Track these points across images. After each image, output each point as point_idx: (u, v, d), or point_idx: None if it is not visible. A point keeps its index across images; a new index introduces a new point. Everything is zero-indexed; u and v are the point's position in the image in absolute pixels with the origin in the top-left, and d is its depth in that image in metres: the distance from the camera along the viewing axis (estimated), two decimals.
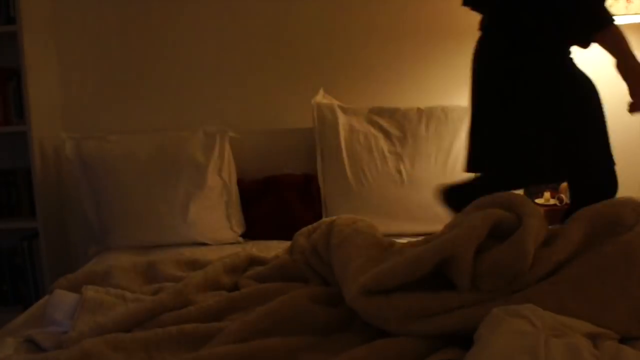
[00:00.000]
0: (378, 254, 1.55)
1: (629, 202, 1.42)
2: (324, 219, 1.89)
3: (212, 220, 2.53)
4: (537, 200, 2.69)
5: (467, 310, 1.25)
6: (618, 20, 2.55)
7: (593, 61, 2.81)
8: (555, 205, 2.61)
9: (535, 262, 1.29)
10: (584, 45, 1.86)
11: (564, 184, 2.65)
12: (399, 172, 2.50)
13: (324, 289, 1.59)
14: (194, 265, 1.96)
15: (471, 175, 2.03)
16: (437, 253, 1.29)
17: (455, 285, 1.31)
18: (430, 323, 1.27)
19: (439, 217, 1.91)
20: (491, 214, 1.34)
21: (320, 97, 2.64)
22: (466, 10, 2.81)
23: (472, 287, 1.28)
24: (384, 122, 2.58)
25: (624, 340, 1.21)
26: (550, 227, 1.43)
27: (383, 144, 2.54)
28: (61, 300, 1.64)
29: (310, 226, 1.91)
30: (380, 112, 2.62)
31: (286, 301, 1.48)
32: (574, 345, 1.08)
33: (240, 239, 2.56)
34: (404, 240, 2.23)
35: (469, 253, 1.27)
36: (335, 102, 2.64)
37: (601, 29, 1.78)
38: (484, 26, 2.00)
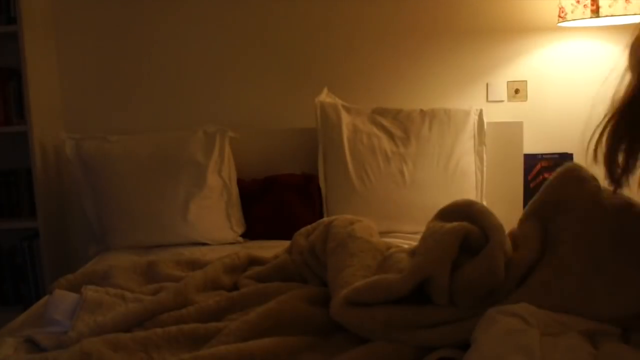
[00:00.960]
0: (371, 260, 1.56)
1: (560, 174, 1.41)
2: (323, 219, 1.88)
3: (212, 220, 2.53)
4: None
5: (448, 327, 1.28)
6: (617, 21, 2.57)
7: (593, 59, 2.82)
8: None
9: (508, 271, 1.32)
10: None
11: None
12: (402, 173, 2.50)
13: (322, 289, 1.59)
14: (194, 265, 1.96)
15: None
16: (414, 277, 1.32)
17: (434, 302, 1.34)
18: (413, 336, 1.29)
19: None
20: (459, 229, 1.35)
21: (324, 96, 2.64)
22: (469, 12, 2.82)
23: (450, 304, 1.31)
24: (387, 123, 2.58)
25: (626, 332, 1.21)
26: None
27: (386, 144, 2.53)
28: (61, 300, 1.64)
29: (309, 226, 1.91)
30: (384, 112, 2.62)
31: (286, 301, 1.49)
32: (570, 344, 1.08)
33: (240, 239, 2.56)
34: (401, 241, 2.24)
35: (444, 274, 1.30)
36: (339, 102, 2.64)
37: None
38: None
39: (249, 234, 2.59)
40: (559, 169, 1.44)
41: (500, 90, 2.84)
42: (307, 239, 1.82)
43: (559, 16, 2.56)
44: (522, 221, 1.43)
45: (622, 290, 1.22)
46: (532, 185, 2.82)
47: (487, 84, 2.84)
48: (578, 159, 2.81)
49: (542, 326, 1.13)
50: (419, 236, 1.51)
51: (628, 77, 1.18)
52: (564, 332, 1.13)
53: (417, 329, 1.29)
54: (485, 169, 2.61)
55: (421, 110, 2.60)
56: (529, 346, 1.06)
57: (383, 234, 2.23)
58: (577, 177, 1.38)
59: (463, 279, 1.30)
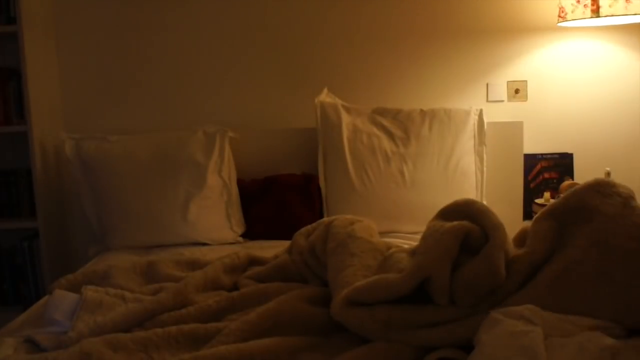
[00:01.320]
0: (372, 260, 1.56)
1: (588, 185, 1.42)
2: (323, 219, 1.89)
3: (212, 220, 2.52)
4: (537, 200, 2.69)
5: (448, 327, 1.28)
6: (618, 20, 2.56)
7: (593, 59, 2.82)
8: None
9: (510, 271, 1.32)
10: None
11: (565, 184, 2.64)
12: (402, 173, 2.50)
13: (322, 289, 1.60)
14: (194, 265, 1.96)
15: None
16: (414, 276, 1.32)
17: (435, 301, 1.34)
18: (414, 335, 1.29)
19: None
20: (459, 229, 1.36)
21: (324, 96, 2.64)
22: (469, 12, 2.82)
23: (451, 304, 1.31)
24: (387, 123, 2.58)
25: (632, 332, 1.21)
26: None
27: (386, 144, 2.53)
28: (61, 300, 1.64)
29: (309, 226, 1.91)
30: (384, 112, 2.62)
31: (285, 301, 1.49)
32: (579, 344, 1.08)
33: (240, 239, 2.55)
34: (401, 241, 2.23)
35: (445, 274, 1.31)
36: (339, 102, 2.64)
37: None
38: None
39: (249, 234, 2.59)
40: (590, 180, 1.44)
41: (501, 90, 2.84)
42: (307, 239, 1.82)
43: (559, 16, 2.56)
44: (539, 219, 1.42)
45: (630, 303, 1.22)
46: (532, 185, 2.82)
47: (487, 84, 2.84)
48: (578, 159, 2.81)
49: (547, 327, 1.13)
50: (419, 236, 1.52)
51: None
52: (571, 332, 1.13)
53: (417, 329, 1.29)
54: (485, 169, 2.61)
55: (421, 110, 2.60)
56: (532, 348, 1.06)
57: (383, 234, 2.23)
58: (604, 193, 1.38)
59: (463, 279, 1.30)
